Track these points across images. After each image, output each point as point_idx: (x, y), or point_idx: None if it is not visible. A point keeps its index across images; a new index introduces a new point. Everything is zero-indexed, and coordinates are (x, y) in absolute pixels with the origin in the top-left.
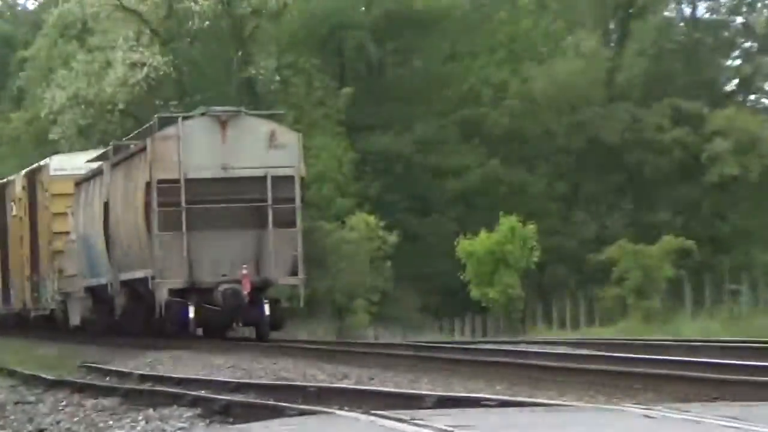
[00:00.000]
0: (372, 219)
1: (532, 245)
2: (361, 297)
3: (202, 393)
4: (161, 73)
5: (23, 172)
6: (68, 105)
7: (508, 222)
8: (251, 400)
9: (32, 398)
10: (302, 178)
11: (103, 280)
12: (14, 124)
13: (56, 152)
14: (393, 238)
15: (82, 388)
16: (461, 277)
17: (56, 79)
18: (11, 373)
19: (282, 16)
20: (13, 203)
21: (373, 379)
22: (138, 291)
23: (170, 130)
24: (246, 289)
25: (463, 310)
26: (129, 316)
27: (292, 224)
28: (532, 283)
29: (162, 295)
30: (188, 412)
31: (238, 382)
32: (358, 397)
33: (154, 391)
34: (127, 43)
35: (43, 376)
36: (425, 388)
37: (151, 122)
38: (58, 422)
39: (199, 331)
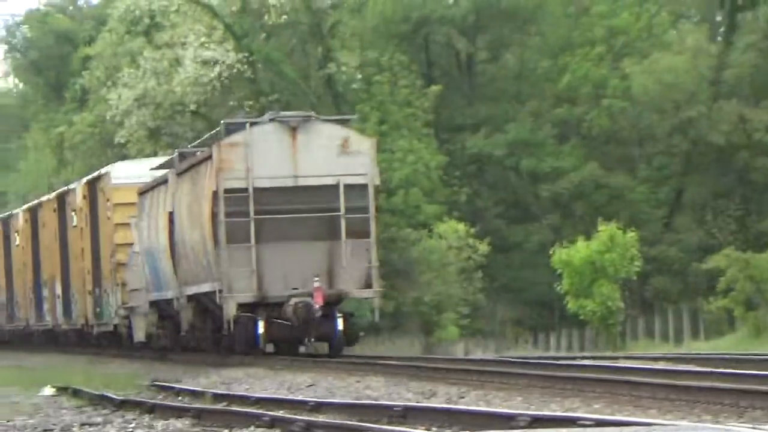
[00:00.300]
0: (462, 226)
1: (632, 254)
2: (450, 310)
3: (281, 413)
4: (235, 71)
5: (84, 180)
6: (135, 106)
7: (607, 229)
8: (333, 420)
9: (99, 420)
10: (376, 186)
11: (168, 294)
12: (78, 127)
13: (123, 157)
14: (484, 246)
15: (153, 409)
16: (557, 288)
17: (122, 79)
18: (77, 393)
19: (364, 10)
20: (73, 213)
21: (463, 397)
22: (205, 305)
23: (238, 137)
24: (318, 303)
25: (559, 323)
26: (196, 331)
27: (366, 234)
28: (633, 295)
29: (230, 309)
30: None
31: (319, 402)
32: (447, 417)
33: (230, 411)
34: (198, 40)
35: (111, 395)
36: (519, 406)
37: (218, 128)
38: None
39: (270, 347)
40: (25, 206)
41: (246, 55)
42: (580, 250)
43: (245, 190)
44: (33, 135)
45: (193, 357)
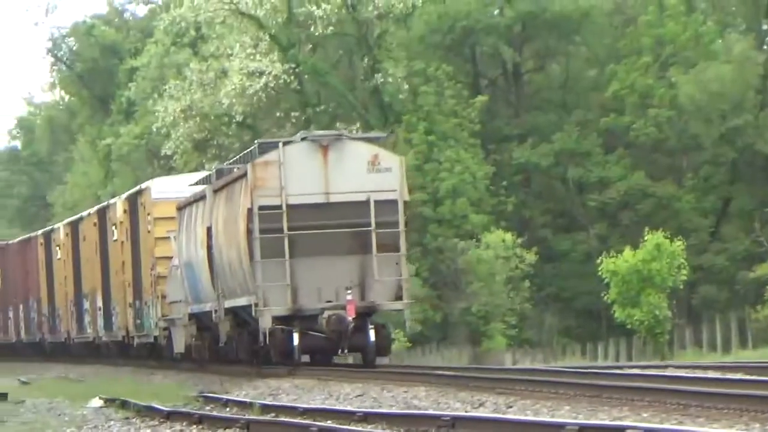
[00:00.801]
0: (509, 236)
1: (679, 263)
2: (497, 320)
3: (329, 423)
4: (281, 82)
5: (124, 195)
6: (182, 117)
7: (654, 238)
8: (381, 430)
9: (147, 431)
10: (406, 202)
11: (206, 307)
12: (124, 139)
13: (170, 169)
14: (531, 256)
15: (201, 420)
16: (604, 297)
17: (168, 90)
18: (125, 404)
19: (410, 21)
20: (114, 227)
21: (511, 407)
22: (242, 318)
23: (271, 156)
24: (351, 315)
25: (606, 332)
26: (233, 343)
27: (397, 248)
28: (680, 304)
29: (266, 322)
30: None
31: (367, 412)
32: (495, 427)
33: (278, 422)
34: (244, 51)
35: (159, 407)
36: (566, 416)
37: (252, 147)
38: None
39: (305, 358)
40: (66, 221)
41: (292, 66)
42: (627, 259)
43: (279, 207)
44: (80, 147)
45: (232, 368)
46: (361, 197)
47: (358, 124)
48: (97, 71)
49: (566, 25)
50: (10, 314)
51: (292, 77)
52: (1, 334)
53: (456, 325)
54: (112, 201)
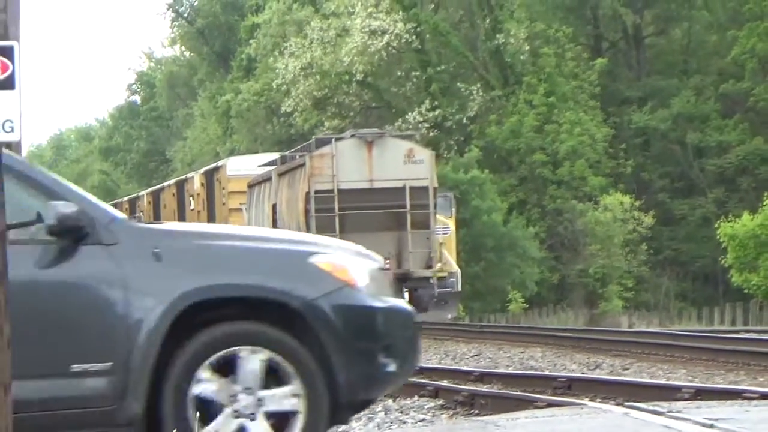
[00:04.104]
0: (627, 199)
1: None
2: (614, 282)
3: (445, 383)
4: (403, 41)
5: (202, 170)
6: (302, 75)
7: None
8: (496, 390)
9: None
10: (435, 188)
11: None
12: (244, 96)
13: (289, 126)
14: (649, 219)
15: None
16: (722, 262)
17: (289, 48)
18: None
19: None
20: (191, 198)
21: (627, 369)
22: None
23: (325, 149)
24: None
25: (723, 297)
26: None
27: (427, 226)
28: None
29: None
30: (430, 403)
31: (483, 372)
32: (611, 389)
33: None
34: (365, 9)
35: None
36: (683, 379)
37: (310, 141)
38: None
39: None
40: (149, 189)
41: (414, 25)
42: (745, 224)
43: (331, 191)
44: (199, 103)
45: None
46: (399, 184)
47: (478, 85)
48: (218, 27)
49: None
50: None
51: (414, 36)
52: None
53: (573, 287)
54: (189, 175)
